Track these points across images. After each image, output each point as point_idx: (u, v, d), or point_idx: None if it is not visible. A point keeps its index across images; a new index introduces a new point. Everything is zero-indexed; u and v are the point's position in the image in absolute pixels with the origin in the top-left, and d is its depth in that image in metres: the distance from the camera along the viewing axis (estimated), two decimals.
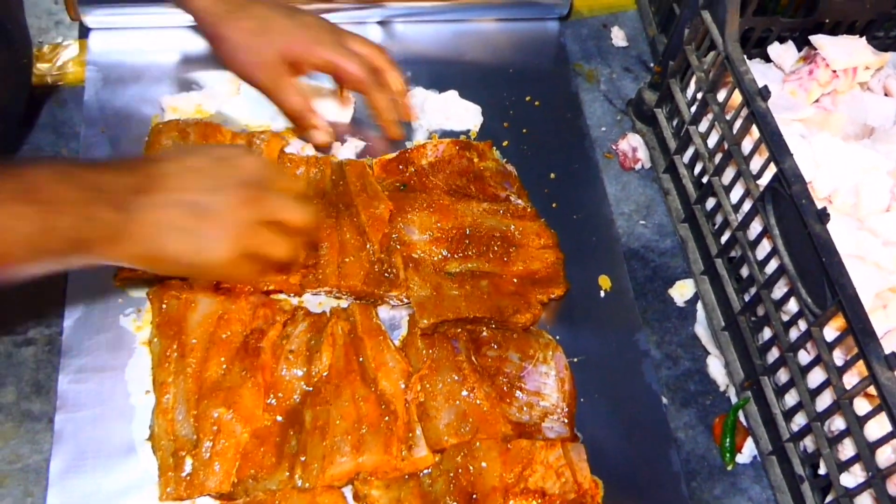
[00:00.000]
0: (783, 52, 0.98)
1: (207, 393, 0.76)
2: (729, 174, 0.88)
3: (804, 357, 0.77)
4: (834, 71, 0.94)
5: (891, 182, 0.85)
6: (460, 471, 0.75)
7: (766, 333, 0.82)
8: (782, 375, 0.80)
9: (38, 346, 0.81)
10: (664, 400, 0.86)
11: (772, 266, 0.80)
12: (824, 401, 0.74)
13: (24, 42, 0.90)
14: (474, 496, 0.73)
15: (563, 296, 0.89)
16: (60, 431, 0.75)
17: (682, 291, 0.95)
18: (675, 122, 1.01)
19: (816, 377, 0.75)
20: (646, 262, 0.97)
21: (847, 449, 0.72)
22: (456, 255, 0.88)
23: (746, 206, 0.84)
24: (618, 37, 1.16)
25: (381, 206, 0.88)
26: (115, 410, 0.77)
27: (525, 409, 0.81)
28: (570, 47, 1.13)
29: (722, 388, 0.89)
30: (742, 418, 0.85)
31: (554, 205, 0.96)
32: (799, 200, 0.73)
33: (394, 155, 0.95)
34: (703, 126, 0.93)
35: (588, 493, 0.76)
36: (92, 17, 1.00)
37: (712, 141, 0.91)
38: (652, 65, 1.13)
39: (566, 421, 0.81)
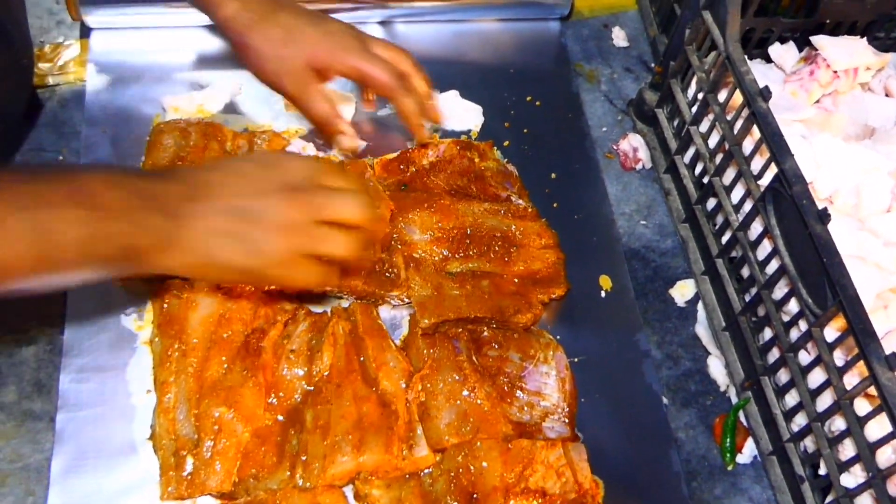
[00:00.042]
0: (784, 53, 0.98)
1: (208, 392, 0.76)
2: (730, 174, 0.88)
3: (805, 357, 0.77)
4: (835, 71, 0.94)
5: (892, 183, 0.85)
6: (461, 470, 0.75)
7: (767, 334, 0.82)
8: (783, 376, 0.80)
9: (39, 345, 0.81)
10: (665, 400, 0.86)
11: (772, 266, 0.80)
12: (825, 401, 0.74)
13: (25, 42, 0.90)
14: (475, 496, 0.73)
15: (564, 296, 0.89)
16: (62, 431, 0.75)
17: (682, 291, 0.95)
18: (675, 123, 1.01)
19: (817, 377, 0.75)
20: (646, 263, 0.97)
21: (847, 449, 0.72)
22: (457, 255, 0.88)
23: (747, 206, 0.84)
24: (619, 37, 1.16)
25: (381, 205, 0.88)
26: (117, 410, 0.77)
27: (526, 408, 0.81)
28: (570, 47, 1.13)
29: (722, 389, 0.89)
30: (742, 418, 0.85)
31: (555, 205, 0.96)
32: (800, 201, 0.73)
33: (395, 155, 0.95)
34: (704, 126, 0.93)
35: (588, 493, 0.76)
36: (93, 17, 1.00)
37: (713, 141, 0.91)
38: (653, 65, 1.13)
39: (567, 421, 0.81)
